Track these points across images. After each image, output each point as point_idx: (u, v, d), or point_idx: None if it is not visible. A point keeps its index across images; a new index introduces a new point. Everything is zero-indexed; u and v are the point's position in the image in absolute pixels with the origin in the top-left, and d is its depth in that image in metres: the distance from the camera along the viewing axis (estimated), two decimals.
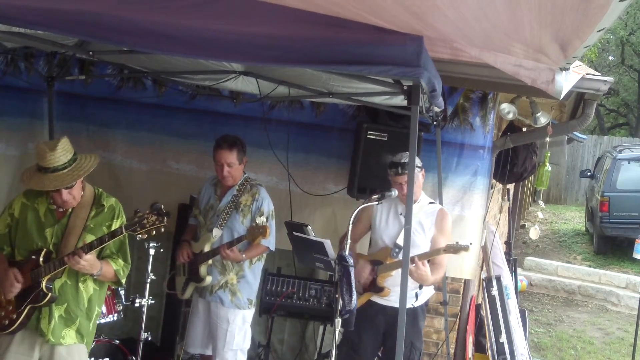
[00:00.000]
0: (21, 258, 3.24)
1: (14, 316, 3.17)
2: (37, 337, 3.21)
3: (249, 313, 4.28)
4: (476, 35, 2.55)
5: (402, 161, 3.92)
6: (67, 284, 3.24)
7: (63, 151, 3.14)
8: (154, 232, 3.07)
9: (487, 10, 2.13)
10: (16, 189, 4.63)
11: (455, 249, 3.80)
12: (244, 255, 4.08)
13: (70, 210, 3.28)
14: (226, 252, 3.98)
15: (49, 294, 3.15)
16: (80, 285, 3.28)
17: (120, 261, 3.33)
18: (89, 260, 3.10)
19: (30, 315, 3.18)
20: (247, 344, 4.29)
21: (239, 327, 4.20)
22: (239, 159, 4.17)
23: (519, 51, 2.56)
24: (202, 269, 4.16)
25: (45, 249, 3.19)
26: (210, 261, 4.17)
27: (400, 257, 3.87)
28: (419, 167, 4.00)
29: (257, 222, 3.97)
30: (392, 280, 3.99)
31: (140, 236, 3.11)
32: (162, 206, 3.06)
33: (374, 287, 4.06)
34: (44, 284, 3.13)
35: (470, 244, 3.82)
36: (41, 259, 3.15)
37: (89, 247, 3.08)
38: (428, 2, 2.11)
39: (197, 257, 4.19)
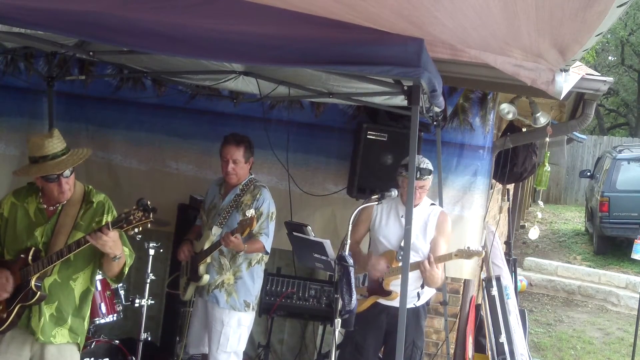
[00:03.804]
0: (10, 258, 3.22)
1: (4, 315, 3.15)
2: (27, 336, 3.18)
3: (246, 316, 4.21)
4: (475, 42, 2.56)
5: (422, 166, 3.91)
6: (57, 282, 3.21)
7: (58, 139, 3.17)
8: (140, 228, 3.04)
9: (485, 20, 2.14)
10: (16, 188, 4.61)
11: (467, 254, 3.80)
12: (245, 246, 4.02)
13: (60, 208, 3.26)
14: (230, 238, 3.88)
15: (38, 293, 3.13)
16: (72, 283, 3.25)
17: (125, 249, 3.30)
18: (112, 237, 3.04)
19: (20, 315, 3.16)
20: (243, 347, 4.26)
21: (233, 329, 4.15)
22: (246, 157, 4.14)
23: (518, 56, 2.57)
24: (201, 268, 4.15)
25: (34, 248, 3.17)
26: (208, 259, 4.15)
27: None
28: (432, 171, 4.01)
29: (247, 214, 3.92)
30: (399, 283, 3.98)
31: (136, 235, 3.08)
32: (149, 202, 3.03)
33: (381, 291, 4.06)
34: (33, 283, 3.11)
35: (484, 247, 3.81)
36: (30, 258, 3.14)
37: (108, 226, 3.02)
38: (426, 12, 2.11)
39: (198, 256, 4.19)
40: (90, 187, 3.40)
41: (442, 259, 3.91)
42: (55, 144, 3.14)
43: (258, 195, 4.15)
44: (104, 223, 3.18)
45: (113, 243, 3.07)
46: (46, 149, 3.11)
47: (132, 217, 3.01)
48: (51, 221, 3.25)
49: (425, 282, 3.92)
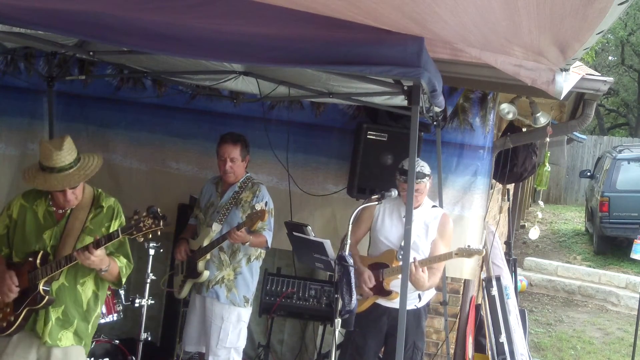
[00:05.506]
0: (18, 260, 3.22)
1: (12, 318, 3.15)
2: (33, 339, 3.18)
3: (245, 312, 4.27)
4: (476, 39, 2.55)
5: (416, 170, 3.87)
6: (65, 286, 3.21)
7: (69, 150, 3.12)
8: (150, 236, 3.05)
9: (486, 17, 2.13)
10: (16, 189, 4.62)
11: (468, 252, 3.79)
12: (251, 237, 4.06)
13: (69, 211, 3.25)
14: (237, 233, 3.93)
15: (47, 296, 3.13)
16: (79, 287, 3.25)
17: (123, 259, 3.32)
18: (99, 256, 3.07)
19: (28, 318, 3.16)
20: (242, 343, 4.29)
21: (233, 324, 4.20)
22: (242, 156, 4.23)
23: (518, 54, 2.57)
24: (200, 264, 4.19)
25: (42, 251, 3.16)
26: (208, 256, 4.19)
27: None
28: (428, 175, 4.00)
29: (256, 207, 3.97)
30: (398, 283, 3.98)
31: (137, 239, 3.09)
32: (159, 209, 3.04)
33: (381, 291, 4.05)
34: (41, 286, 3.11)
35: (484, 247, 3.80)
36: (38, 261, 3.13)
37: (97, 244, 3.05)
38: (427, 8, 2.11)
39: (196, 253, 4.22)
40: (100, 190, 3.38)
41: (443, 257, 3.91)
42: (64, 156, 3.09)
43: (257, 192, 4.24)
44: (112, 228, 3.19)
45: (100, 261, 3.10)
46: (54, 160, 3.07)
47: (142, 224, 3.01)
48: (60, 224, 3.24)
49: (412, 284, 3.90)
